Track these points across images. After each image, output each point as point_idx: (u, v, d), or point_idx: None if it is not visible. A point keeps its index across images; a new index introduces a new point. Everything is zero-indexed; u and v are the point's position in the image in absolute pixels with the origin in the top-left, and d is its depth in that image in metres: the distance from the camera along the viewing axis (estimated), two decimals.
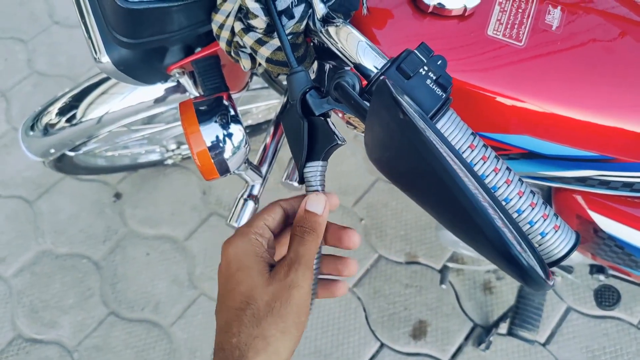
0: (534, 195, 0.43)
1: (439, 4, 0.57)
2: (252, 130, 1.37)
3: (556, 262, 0.43)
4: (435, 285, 1.33)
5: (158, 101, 0.96)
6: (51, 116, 1.00)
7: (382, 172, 0.42)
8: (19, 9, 1.80)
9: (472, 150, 0.42)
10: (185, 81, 0.67)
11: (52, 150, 1.02)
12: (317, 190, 0.46)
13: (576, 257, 0.98)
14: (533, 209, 0.42)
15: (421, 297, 1.33)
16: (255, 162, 0.79)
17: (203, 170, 0.63)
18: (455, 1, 0.57)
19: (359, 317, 1.32)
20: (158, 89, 0.94)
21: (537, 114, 0.58)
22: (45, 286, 1.37)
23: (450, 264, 1.23)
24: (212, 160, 0.62)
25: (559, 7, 0.59)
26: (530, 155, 0.63)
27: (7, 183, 1.49)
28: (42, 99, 1.58)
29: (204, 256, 1.39)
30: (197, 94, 0.69)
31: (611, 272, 1.00)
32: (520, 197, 0.42)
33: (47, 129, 1.00)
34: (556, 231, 0.42)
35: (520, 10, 0.59)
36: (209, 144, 0.62)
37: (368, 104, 0.40)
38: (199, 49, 0.63)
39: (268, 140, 0.81)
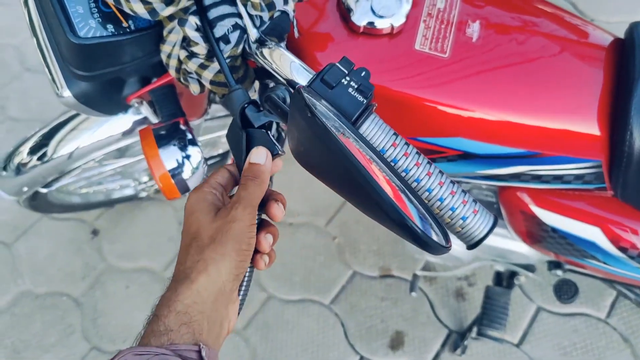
0: (454, 185, 0.48)
1: (369, 23, 0.63)
2: (222, 158, 1.42)
3: (479, 242, 0.48)
4: (410, 296, 1.36)
5: (126, 133, 1.00)
6: (22, 156, 1.04)
7: (302, 165, 0.47)
8: None
9: (395, 148, 0.47)
10: (145, 109, 0.72)
11: (25, 189, 1.06)
12: None
13: (533, 255, 1.03)
14: (453, 196, 0.47)
15: (397, 309, 1.37)
16: None
17: (164, 190, 0.67)
18: (383, 21, 0.63)
19: (337, 333, 1.35)
20: (125, 122, 0.98)
21: (466, 116, 0.64)
22: (26, 326, 1.38)
23: (419, 272, 1.28)
24: (173, 181, 0.66)
25: (477, 21, 0.66)
26: (466, 156, 0.68)
27: None
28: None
29: None
30: (156, 121, 0.73)
31: (568, 266, 1.05)
32: (441, 187, 0.47)
33: (19, 168, 1.04)
34: (475, 215, 0.47)
35: (443, 26, 0.65)
36: (168, 166, 0.66)
37: None
38: (154, 79, 0.68)
39: (230, 160, 0.86)
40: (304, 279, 1.42)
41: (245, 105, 0.48)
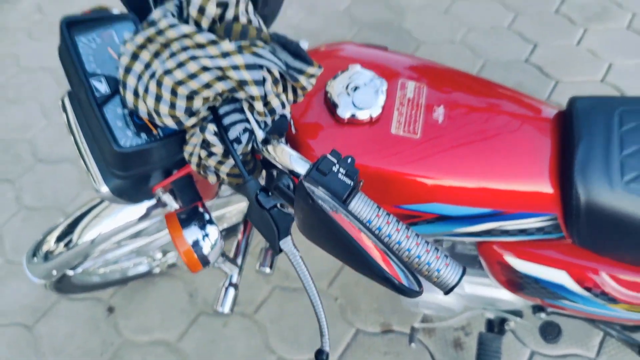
0: (428, 244, 0.59)
1: (352, 115, 0.77)
2: (228, 232, 1.53)
3: (452, 288, 0.59)
4: (411, 348, 1.45)
5: (142, 218, 1.12)
6: (50, 244, 1.15)
7: (307, 237, 0.59)
8: (5, 154, 1.99)
9: (378, 219, 0.59)
10: (167, 197, 0.85)
11: (54, 272, 1.16)
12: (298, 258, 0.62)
13: (518, 301, 1.14)
14: (428, 253, 0.59)
15: None
16: (231, 255, 0.96)
17: (189, 264, 0.78)
18: (364, 112, 0.77)
19: None
20: (141, 209, 1.11)
21: (439, 185, 0.76)
22: None
23: (417, 325, 1.36)
24: (195, 255, 0.78)
25: (442, 105, 0.80)
26: (442, 218, 0.81)
27: (6, 312, 1.59)
28: (33, 231, 1.73)
29: (197, 353, 1.50)
30: (177, 206, 0.86)
31: (550, 310, 1.15)
32: (417, 247, 0.59)
33: (47, 255, 1.15)
34: (447, 267, 0.59)
35: (413, 112, 0.79)
36: (191, 243, 0.78)
37: None
38: (175, 171, 0.81)
39: (240, 236, 0.99)
40: (310, 340, 1.50)
41: (258, 192, 0.61)
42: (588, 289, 0.88)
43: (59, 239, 1.15)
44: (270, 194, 0.62)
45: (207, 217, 0.81)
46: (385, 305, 1.55)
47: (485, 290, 1.13)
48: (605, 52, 2.09)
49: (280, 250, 0.63)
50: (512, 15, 2.29)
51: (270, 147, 0.65)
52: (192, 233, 0.79)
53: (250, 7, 0.64)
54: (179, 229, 0.78)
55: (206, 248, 0.79)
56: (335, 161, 0.60)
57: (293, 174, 0.63)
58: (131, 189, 0.78)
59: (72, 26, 0.67)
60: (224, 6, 0.61)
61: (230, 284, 0.93)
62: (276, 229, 0.60)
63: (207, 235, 0.80)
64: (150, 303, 1.59)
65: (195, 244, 0.78)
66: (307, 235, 0.58)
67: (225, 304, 0.92)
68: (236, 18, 0.62)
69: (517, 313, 1.24)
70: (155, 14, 0.60)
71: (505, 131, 0.80)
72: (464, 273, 0.59)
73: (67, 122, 0.76)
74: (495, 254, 0.91)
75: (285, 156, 0.63)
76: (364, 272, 0.53)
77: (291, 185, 0.61)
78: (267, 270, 0.98)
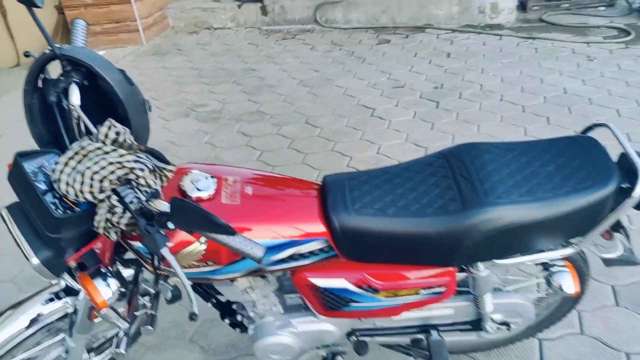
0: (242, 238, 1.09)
1: (197, 196, 1.28)
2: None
3: (260, 259, 1.08)
4: None
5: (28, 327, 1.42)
6: None
7: (185, 231, 1.06)
8: None
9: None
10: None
11: None
12: None
13: (335, 330, 1.61)
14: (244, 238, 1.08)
15: None
16: (125, 314, 1.34)
17: (94, 301, 1.17)
18: (203, 193, 1.28)
19: None
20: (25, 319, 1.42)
21: (251, 228, 1.28)
22: None
23: None
24: (100, 293, 1.18)
25: (250, 186, 1.36)
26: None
27: None
28: None
29: None
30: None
31: (358, 333, 1.65)
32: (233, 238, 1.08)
33: None
34: (253, 243, 1.09)
35: (234, 190, 1.33)
36: (98, 287, 1.18)
37: None
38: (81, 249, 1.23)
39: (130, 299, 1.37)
40: None
41: (146, 225, 1.07)
42: (360, 287, 1.41)
43: None
44: (153, 226, 1.09)
45: (108, 274, 1.22)
46: None
47: (313, 326, 1.59)
48: None
49: (163, 258, 1.08)
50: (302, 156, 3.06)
51: (152, 202, 1.13)
52: (99, 283, 1.19)
53: (129, 135, 1.18)
54: (89, 279, 1.18)
55: (107, 292, 1.20)
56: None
57: (163, 214, 1.11)
58: (53, 259, 1.18)
59: (21, 157, 1.14)
60: (117, 134, 1.14)
61: (124, 333, 1.30)
62: (158, 242, 1.06)
63: (108, 284, 1.21)
64: None
65: (100, 287, 1.19)
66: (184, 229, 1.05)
67: (120, 345, 1.28)
68: (124, 140, 1.15)
69: (341, 352, 1.71)
70: (84, 141, 1.11)
71: (291, 197, 1.38)
72: (266, 248, 1.09)
73: (6, 226, 1.17)
74: (303, 278, 1.42)
75: (159, 204, 1.12)
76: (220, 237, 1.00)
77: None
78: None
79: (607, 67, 4.18)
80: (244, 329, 1.67)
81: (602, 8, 5.48)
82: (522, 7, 5.65)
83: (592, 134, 1.47)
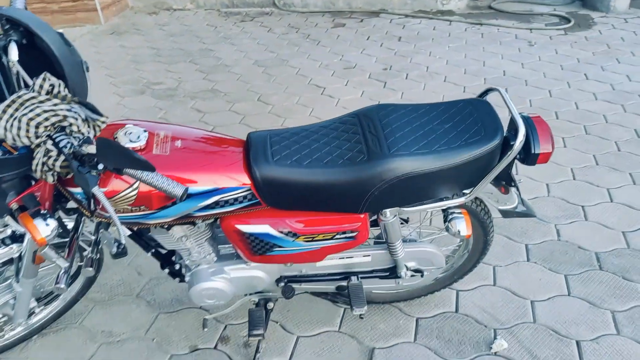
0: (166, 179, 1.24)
1: (129, 147, 1.42)
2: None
3: (182, 196, 1.24)
4: (215, 351, 1.94)
5: None
6: None
7: (116, 167, 1.20)
8: None
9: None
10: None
11: None
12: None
13: (264, 276, 1.77)
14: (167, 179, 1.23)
15: None
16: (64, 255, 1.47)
17: (34, 238, 1.31)
18: (136, 143, 1.42)
19: None
20: None
21: (181, 178, 1.43)
22: None
23: (208, 316, 1.90)
24: (38, 231, 1.31)
25: (179, 140, 1.50)
26: (189, 196, 1.46)
27: None
28: None
29: None
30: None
31: (286, 280, 1.82)
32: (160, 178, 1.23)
33: None
34: (175, 183, 1.23)
35: (164, 144, 1.47)
36: (38, 226, 1.32)
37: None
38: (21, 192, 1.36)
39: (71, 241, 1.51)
40: None
41: (78, 166, 1.21)
42: (281, 232, 1.58)
43: None
44: (84, 167, 1.22)
45: (48, 215, 1.36)
46: (191, 334, 2.05)
47: (244, 272, 1.76)
48: None
49: (93, 195, 1.22)
50: None
51: (84, 147, 1.26)
52: (38, 222, 1.33)
53: (64, 88, 1.31)
54: (30, 218, 1.31)
55: (46, 230, 1.33)
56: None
57: (92, 155, 1.24)
58: None
59: None
60: (52, 86, 1.27)
61: (65, 271, 1.44)
62: (89, 181, 1.20)
63: (47, 224, 1.34)
64: None
65: (40, 226, 1.32)
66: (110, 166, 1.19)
67: (61, 281, 1.41)
68: (59, 92, 1.28)
69: (272, 299, 1.88)
70: (20, 91, 1.23)
71: (217, 150, 1.52)
72: (186, 189, 1.24)
73: None
74: (230, 225, 1.57)
75: (91, 149, 1.25)
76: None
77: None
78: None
79: (545, 52, 4.43)
80: (182, 278, 1.82)
81: None
82: None
83: (488, 98, 1.66)
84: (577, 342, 1.95)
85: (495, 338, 1.98)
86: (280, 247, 1.62)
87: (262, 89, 4.07)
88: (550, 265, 2.31)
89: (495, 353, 1.92)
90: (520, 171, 2.94)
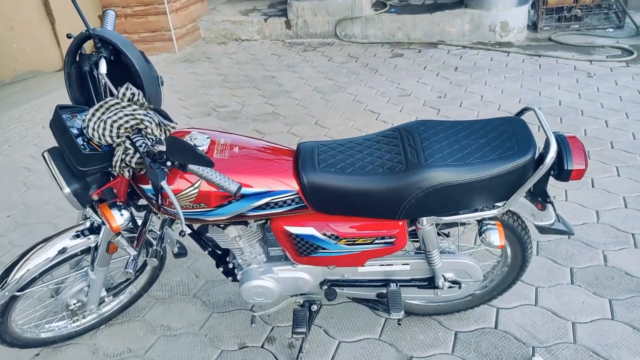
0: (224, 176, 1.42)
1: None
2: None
3: (237, 191, 1.41)
4: (264, 350, 2.09)
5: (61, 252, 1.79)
6: None
7: (182, 162, 1.39)
8: None
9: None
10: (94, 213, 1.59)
11: None
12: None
13: (310, 279, 1.91)
14: (224, 177, 1.41)
15: None
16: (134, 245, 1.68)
17: (110, 225, 1.52)
18: (199, 147, 1.62)
19: None
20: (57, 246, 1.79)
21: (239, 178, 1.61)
22: None
23: (255, 313, 2.03)
24: (115, 219, 1.52)
25: (236, 147, 1.69)
26: (243, 196, 1.63)
27: None
28: None
29: None
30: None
31: (330, 283, 1.94)
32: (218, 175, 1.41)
33: None
34: (230, 180, 1.41)
35: (223, 149, 1.67)
36: (115, 215, 1.53)
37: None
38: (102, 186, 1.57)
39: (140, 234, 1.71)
40: None
41: (150, 163, 1.41)
42: (325, 234, 1.72)
43: None
44: (155, 163, 1.42)
45: (122, 205, 1.57)
46: (240, 333, 2.21)
47: (290, 273, 1.90)
48: None
49: (162, 188, 1.41)
50: None
51: (156, 146, 1.46)
52: (115, 211, 1.54)
53: (142, 97, 1.53)
54: (107, 208, 1.53)
55: (121, 219, 1.54)
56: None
57: (163, 153, 1.44)
58: (80, 191, 1.53)
59: (60, 108, 1.50)
60: (133, 94, 1.49)
61: (133, 259, 1.64)
62: (158, 175, 1.39)
63: (122, 214, 1.55)
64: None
65: (116, 215, 1.53)
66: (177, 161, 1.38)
67: (129, 267, 1.61)
68: (138, 99, 1.50)
69: (316, 302, 2.01)
70: (107, 98, 1.46)
71: (270, 157, 1.70)
72: (240, 186, 1.41)
73: (46, 163, 1.53)
74: (278, 226, 1.73)
75: (161, 148, 1.45)
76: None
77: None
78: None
79: (604, 83, 4.41)
80: (234, 277, 1.99)
81: (611, 30, 5.69)
82: (534, 27, 5.92)
83: (525, 118, 1.76)
84: None
85: (533, 355, 2.01)
86: (323, 249, 1.76)
87: (320, 114, 4.27)
88: (595, 290, 2.31)
89: None
90: (570, 197, 2.95)
